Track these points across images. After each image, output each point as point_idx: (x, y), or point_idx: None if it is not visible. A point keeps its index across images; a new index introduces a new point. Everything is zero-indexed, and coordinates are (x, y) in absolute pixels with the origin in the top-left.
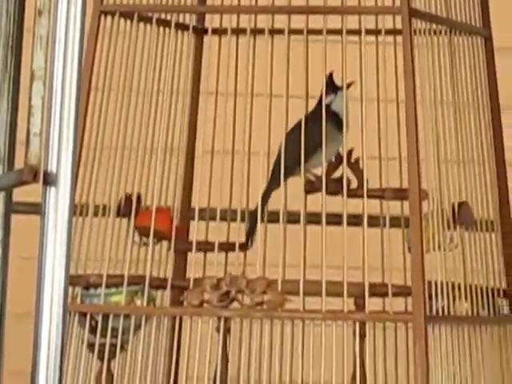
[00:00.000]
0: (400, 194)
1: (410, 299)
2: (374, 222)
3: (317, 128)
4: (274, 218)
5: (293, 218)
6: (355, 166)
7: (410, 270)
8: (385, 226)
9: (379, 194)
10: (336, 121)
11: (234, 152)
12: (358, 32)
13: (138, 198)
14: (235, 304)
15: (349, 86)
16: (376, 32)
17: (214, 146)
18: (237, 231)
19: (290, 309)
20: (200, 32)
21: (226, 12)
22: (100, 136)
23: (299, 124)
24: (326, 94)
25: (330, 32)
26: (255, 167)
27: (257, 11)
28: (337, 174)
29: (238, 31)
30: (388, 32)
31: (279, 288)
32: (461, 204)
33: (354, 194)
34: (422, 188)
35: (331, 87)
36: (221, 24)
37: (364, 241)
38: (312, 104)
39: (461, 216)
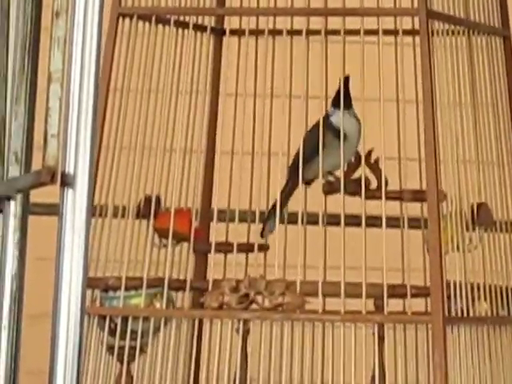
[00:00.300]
0: (418, 196)
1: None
2: (393, 223)
3: (317, 136)
4: (293, 219)
5: (312, 219)
6: (375, 166)
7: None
8: (404, 227)
9: (398, 196)
10: (337, 131)
11: (254, 153)
12: (375, 32)
13: (158, 199)
14: (254, 305)
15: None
16: (395, 32)
17: (234, 147)
18: (256, 232)
19: (308, 310)
20: (219, 33)
21: (245, 14)
22: (119, 137)
23: (311, 130)
24: (333, 104)
25: (348, 33)
26: (274, 168)
27: (276, 13)
28: (357, 175)
29: (257, 32)
30: (406, 32)
31: (298, 290)
32: (480, 205)
33: (372, 195)
34: (440, 189)
35: (344, 95)
36: (240, 25)
37: (383, 242)
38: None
39: (480, 217)
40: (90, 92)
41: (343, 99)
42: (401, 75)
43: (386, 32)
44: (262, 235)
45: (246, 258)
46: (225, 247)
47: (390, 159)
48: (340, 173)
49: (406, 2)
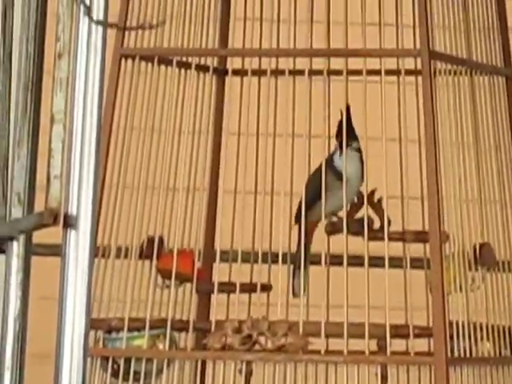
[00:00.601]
0: (421, 237)
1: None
2: (395, 263)
3: (318, 179)
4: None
5: (315, 260)
6: (377, 206)
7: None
8: (406, 267)
9: (400, 237)
10: (339, 173)
11: (257, 192)
12: (378, 72)
13: (161, 240)
14: (257, 346)
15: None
16: (397, 72)
17: (237, 186)
18: (259, 272)
19: (311, 351)
20: (221, 73)
21: (248, 55)
22: (122, 176)
23: (315, 171)
24: (336, 139)
25: (351, 73)
26: (277, 207)
27: (278, 54)
28: (359, 215)
29: (260, 72)
30: (409, 72)
31: (300, 330)
32: (482, 245)
33: (374, 236)
34: (442, 230)
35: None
36: (242, 65)
37: (385, 282)
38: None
39: (483, 257)
40: (93, 133)
41: (345, 133)
42: (403, 115)
43: (389, 72)
44: (293, 294)
45: (249, 298)
46: (228, 287)
47: (392, 198)
48: (343, 213)
49: (408, 41)
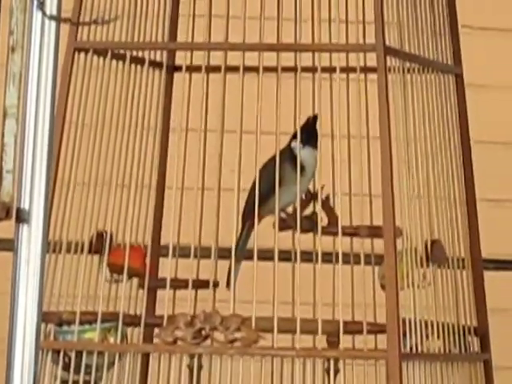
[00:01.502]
0: (374, 232)
1: (380, 336)
2: (344, 258)
3: (275, 170)
4: (247, 255)
5: (266, 256)
6: (325, 204)
7: (380, 307)
8: (357, 263)
9: (353, 232)
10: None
11: (204, 188)
12: (330, 70)
13: (110, 234)
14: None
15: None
16: (348, 70)
17: (184, 183)
18: (206, 267)
19: (263, 346)
20: (170, 69)
21: (197, 49)
22: (73, 172)
23: (268, 163)
24: (301, 138)
25: (304, 70)
26: (227, 203)
27: (227, 48)
28: (307, 212)
29: (209, 69)
30: (360, 70)
31: (253, 325)
32: (434, 242)
33: (328, 231)
34: (396, 225)
35: (307, 133)
36: (191, 61)
37: (335, 278)
38: (284, 140)
39: (434, 254)
40: (46, 128)
41: (310, 137)
42: (353, 111)
43: (342, 69)
44: (227, 285)
45: (195, 294)
46: (177, 283)
47: (344, 195)
48: (293, 208)
49: (352, 37)
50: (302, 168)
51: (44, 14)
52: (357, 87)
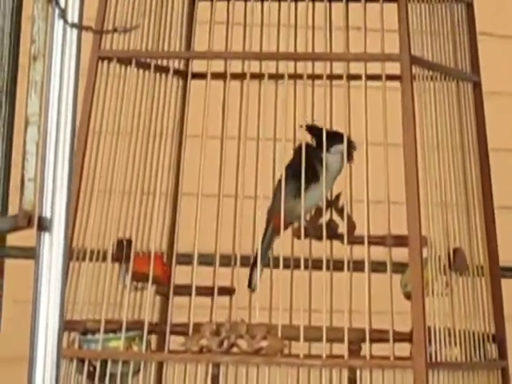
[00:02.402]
0: (400, 241)
1: (399, 345)
2: (357, 266)
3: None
4: (275, 262)
5: (291, 264)
6: (342, 211)
7: (397, 315)
8: (380, 271)
9: (380, 241)
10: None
11: (221, 195)
12: (359, 77)
13: (129, 242)
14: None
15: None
16: (366, 78)
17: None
18: (226, 276)
19: (289, 354)
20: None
21: (215, 58)
22: (97, 179)
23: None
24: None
25: (335, 77)
26: (247, 210)
27: (248, 57)
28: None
29: (228, 76)
30: (389, 77)
31: (279, 334)
32: (455, 250)
33: (353, 240)
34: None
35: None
36: (208, 68)
37: (351, 287)
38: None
39: (456, 262)
40: (67, 136)
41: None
42: (375, 118)
43: (370, 77)
44: (249, 286)
45: (212, 302)
46: (188, 290)
47: (361, 202)
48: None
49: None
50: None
51: (66, 22)
52: (380, 95)
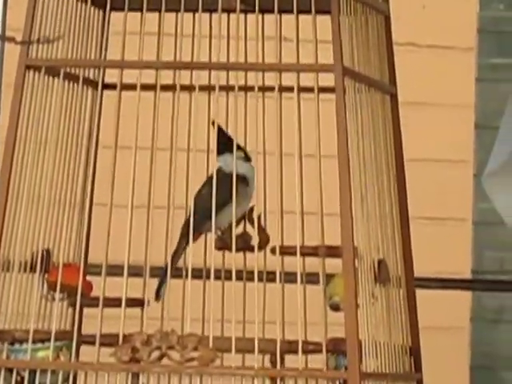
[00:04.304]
0: (333, 251)
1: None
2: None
3: (226, 186)
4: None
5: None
6: (257, 223)
7: (313, 326)
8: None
9: (312, 252)
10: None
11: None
12: (291, 89)
13: (48, 253)
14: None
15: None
16: (299, 89)
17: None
18: (133, 287)
19: (221, 365)
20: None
21: (129, 67)
22: (15, 189)
23: (208, 181)
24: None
25: (266, 89)
26: (158, 222)
27: (161, 67)
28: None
29: (149, 87)
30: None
31: (211, 344)
32: (380, 261)
33: (286, 251)
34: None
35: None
36: (121, 79)
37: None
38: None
39: (381, 273)
40: None
41: (227, 144)
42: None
43: (303, 89)
44: (156, 297)
45: (123, 313)
46: (113, 302)
47: (272, 213)
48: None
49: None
50: (248, 183)
51: None
52: (312, 107)
